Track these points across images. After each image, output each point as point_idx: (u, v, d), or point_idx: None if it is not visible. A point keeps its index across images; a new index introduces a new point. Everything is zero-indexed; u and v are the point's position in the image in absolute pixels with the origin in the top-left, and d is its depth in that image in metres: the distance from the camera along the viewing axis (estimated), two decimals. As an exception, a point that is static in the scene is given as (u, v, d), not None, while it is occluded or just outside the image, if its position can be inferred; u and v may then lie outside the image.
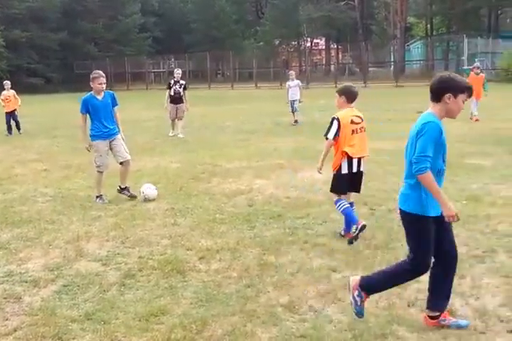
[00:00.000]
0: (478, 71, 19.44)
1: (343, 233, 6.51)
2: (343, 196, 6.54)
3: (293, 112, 19.67)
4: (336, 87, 47.65)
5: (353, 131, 6.41)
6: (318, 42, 79.77)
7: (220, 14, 66.89)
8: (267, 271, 5.47)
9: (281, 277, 5.31)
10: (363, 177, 6.68)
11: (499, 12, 67.71)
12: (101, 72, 8.78)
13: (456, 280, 5.03)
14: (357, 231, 6.18)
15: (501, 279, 5.08)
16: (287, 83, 20.58)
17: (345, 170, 6.41)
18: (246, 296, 4.92)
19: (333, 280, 5.20)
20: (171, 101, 16.85)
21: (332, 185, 6.64)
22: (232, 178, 10.00)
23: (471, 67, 21.12)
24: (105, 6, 60.19)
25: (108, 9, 60.77)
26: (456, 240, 6.12)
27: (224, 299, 4.87)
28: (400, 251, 5.87)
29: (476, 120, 18.31)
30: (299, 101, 19.82)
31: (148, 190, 8.52)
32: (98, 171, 8.74)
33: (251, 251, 6.09)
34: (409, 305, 4.62)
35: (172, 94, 16.82)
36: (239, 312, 4.60)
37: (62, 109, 30.57)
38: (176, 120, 16.98)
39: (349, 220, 6.34)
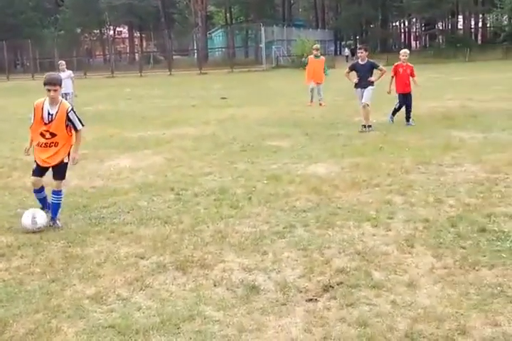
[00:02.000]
0: (318, 53, 18.38)
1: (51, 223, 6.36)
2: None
3: None
4: (141, 75, 47.61)
5: None
6: (121, 31, 78.48)
7: (14, 0, 63.00)
8: (73, 264, 5.23)
9: (87, 268, 5.10)
10: None
11: (292, 2, 71.35)
12: None
13: (258, 257, 5.25)
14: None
15: (300, 252, 5.30)
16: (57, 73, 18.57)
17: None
18: (50, 291, 4.65)
19: (141, 267, 5.10)
20: None
21: (64, 174, 6.46)
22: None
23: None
24: None
25: None
26: (259, 218, 6.42)
27: (26, 297, 4.57)
28: (206, 233, 5.96)
29: (321, 104, 17.83)
30: (75, 96, 17.72)
31: (42, 218, 6.23)
32: None
33: (55, 245, 5.78)
34: (215, 285, 4.67)
35: None
36: (43, 308, 4.35)
37: None
38: None
39: (56, 210, 6.40)
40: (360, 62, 12.84)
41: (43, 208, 6.51)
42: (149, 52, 69.96)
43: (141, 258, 5.34)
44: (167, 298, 4.46)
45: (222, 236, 5.81)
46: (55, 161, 6.20)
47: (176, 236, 5.90)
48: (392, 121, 13.46)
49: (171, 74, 47.60)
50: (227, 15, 73.39)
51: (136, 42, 76.89)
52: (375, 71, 12.65)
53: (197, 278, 4.82)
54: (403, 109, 13.23)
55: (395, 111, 13.43)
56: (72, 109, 6.18)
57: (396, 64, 13.44)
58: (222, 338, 3.82)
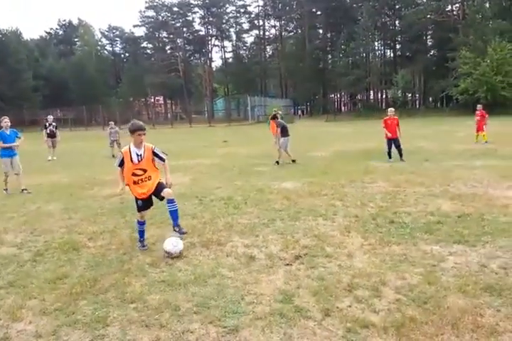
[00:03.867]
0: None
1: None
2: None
3: (112, 147, 16.98)
4: (171, 127, 47.38)
5: None
6: (158, 99, 78.64)
7: (90, 79, 63.80)
8: (136, 243, 5.20)
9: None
10: None
11: (266, 81, 72.27)
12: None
13: (253, 238, 5.20)
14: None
15: (279, 235, 5.32)
16: (108, 129, 18.06)
17: None
18: (123, 260, 4.63)
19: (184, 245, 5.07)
20: (48, 136, 16.76)
21: (164, 185, 4.98)
22: (108, 186, 9.33)
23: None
24: (7, 73, 53.97)
25: (9, 75, 54.48)
26: (252, 215, 6.37)
27: (108, 263, 4.54)
28: (220, 224, 5.92)
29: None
30: (119, 143, 16.81)
31: (172, 247, 4.70)
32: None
33: (124, 232, 5.76)
34: (227, 255, 4.65)
35: (48, 132, 16.83)
36: (119, 270, 4.32)
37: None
38: (52, 148, 16.82)
39: (176, 217, 4.93)
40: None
41: (141, 239, 5.09)
42: (177, 113, 70.20)
43: (180, 239, 5.30)
44: (197, 264, 4.45)
45: (230, 226, 5.81)
46: (151, 191, 4.88)
47: (201, 225, 5.90)
48: (390, 158, 11.83)
49: (191, 126, 47.58)
50: (226, 89, 74.07)
51: (168, 106, 77.12)
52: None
53: (215, 251, 4.83)
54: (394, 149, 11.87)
55: (388, 154, 11.90)
56: (155, 147, 4.91)
57: (384, 118, 11.87)
58: (233, 288, 3.82)
